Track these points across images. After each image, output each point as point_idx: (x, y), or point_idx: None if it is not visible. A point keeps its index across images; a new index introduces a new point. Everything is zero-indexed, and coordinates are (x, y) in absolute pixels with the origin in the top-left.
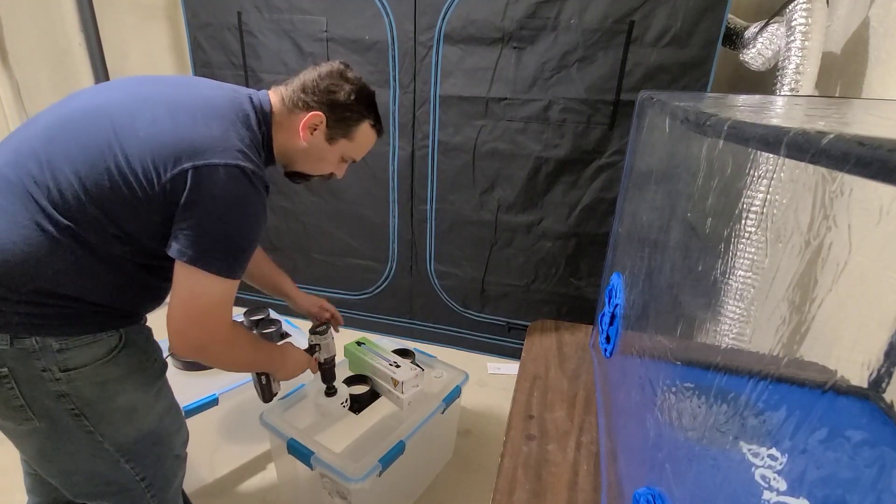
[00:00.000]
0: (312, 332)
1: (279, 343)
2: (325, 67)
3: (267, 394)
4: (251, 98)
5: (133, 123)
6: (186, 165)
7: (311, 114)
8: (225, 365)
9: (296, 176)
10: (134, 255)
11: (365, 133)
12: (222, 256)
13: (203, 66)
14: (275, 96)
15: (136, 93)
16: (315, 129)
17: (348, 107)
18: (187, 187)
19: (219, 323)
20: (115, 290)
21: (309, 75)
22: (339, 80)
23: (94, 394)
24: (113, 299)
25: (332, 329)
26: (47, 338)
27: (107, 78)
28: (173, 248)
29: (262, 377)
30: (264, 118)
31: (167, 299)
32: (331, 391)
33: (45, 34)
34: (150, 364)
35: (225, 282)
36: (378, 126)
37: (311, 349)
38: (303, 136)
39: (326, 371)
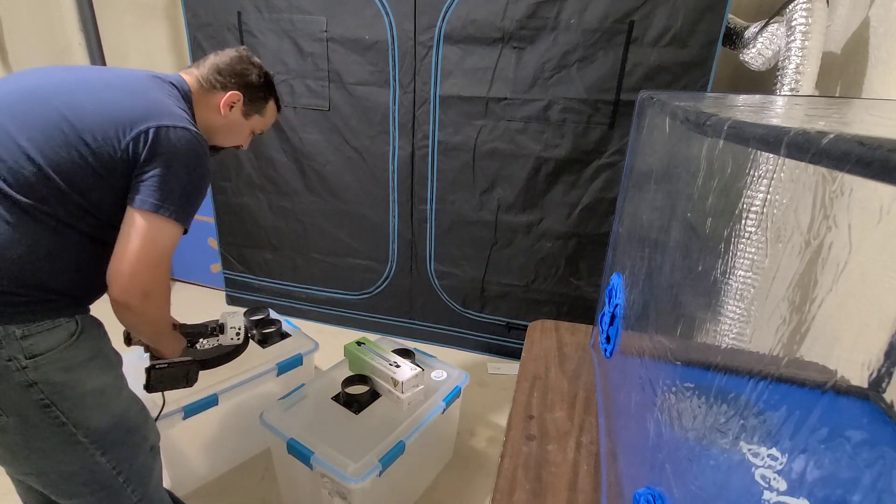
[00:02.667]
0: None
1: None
2: (232, 52)
3: (191, 376)
4: (171, 79)
5: (77, 100)
6: (144, 126)
7: (230, 93)
8: (154, 318)
9: (214, 149)
10: (99, 230)
11: (272, 110)
12: (181, 203)
13: None
14: (189, 77)
15: (64, 77)
16: (233, 107)
17: (259, 87)
18: (148, 144)
19: (166, 270)
20: (73, 275)
21: (220, 59)
22: (248, 65)
23: (62, 379)
24: (70, 285)
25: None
26: (9, 326)
27: None
28: (135, 200)
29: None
30: (185, 96)
31: None
32: (195, 342)
33: (44, 33)
34: (108, 349)
35: (178, 228)
36: (279, 104)
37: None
38: (223, 113)
39: (187, 333)
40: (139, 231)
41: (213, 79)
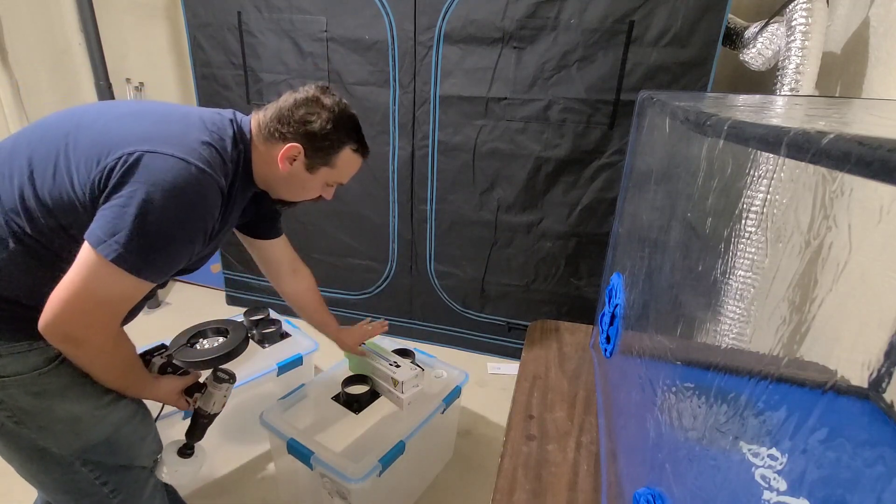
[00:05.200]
0: (214, 373)
1: (169, 376)
2: (301, 94)
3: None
4: (233, 117)
5: (95, 121)
6: (129, 150)
7: (288, 146)
8: (87, 368)
9: (280, 202)
10: (74, 254)
11: (347, 158)
12: (135, 250)
13: (203, 65)
14: (254, 121)
15: (118, 103)
16: (294, 160)
17: (326, 136)
18: (123, 169)
19: (105, 323)
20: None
21: (285, 103)
22: (314, 108)
23: (30, 404)
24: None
25: (231, 385)
26: None
27: (107, 78)
28: (89, 228)
29: None
30: (242, 138)
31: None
32: (187, 449)
33: (44, 34)
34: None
35: (128, 279)
36: (362, 149)
37: (197, 387)
38: (282, 168)
39: (198, 423)
40: (77, 265)
41: (273, 128)
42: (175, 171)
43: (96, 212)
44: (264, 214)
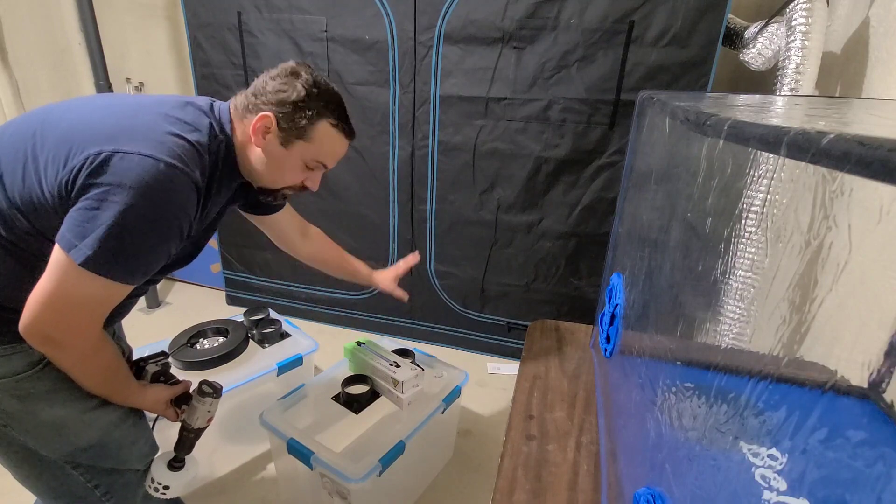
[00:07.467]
0: (199, 386)
1: (151, 385)
2: (277, 69)
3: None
4: (212, 105)
5: (62, 119)
6: (97, 149)
7: (259, 115)
8: (69, 372)
9: (265, 192)
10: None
11: (326, 133)
12: (106, 253)
13: (203, 65)
14: (232, 104)
15: (87, 99)
16: (267, 133)
17: (297, 104)
18: (91, 169)
19: (83, 326)
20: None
21: (264, 76)
22: (288, 78)
23: (14, 407)
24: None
25: (216, 399)
26: None
27: (107, 77)
28: (59, 232)
29: None
30: (221, 128)
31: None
32: (176, 462)
33: (44, 33)
34: None
35: (100, 281)
36: (344, 127)
37: (186, 398)
38: (255, 142)
39: (184, 437)
40: (51, 269)
41: (249, 102)
42: (143, 169)
43: (57, 213)
44: None
